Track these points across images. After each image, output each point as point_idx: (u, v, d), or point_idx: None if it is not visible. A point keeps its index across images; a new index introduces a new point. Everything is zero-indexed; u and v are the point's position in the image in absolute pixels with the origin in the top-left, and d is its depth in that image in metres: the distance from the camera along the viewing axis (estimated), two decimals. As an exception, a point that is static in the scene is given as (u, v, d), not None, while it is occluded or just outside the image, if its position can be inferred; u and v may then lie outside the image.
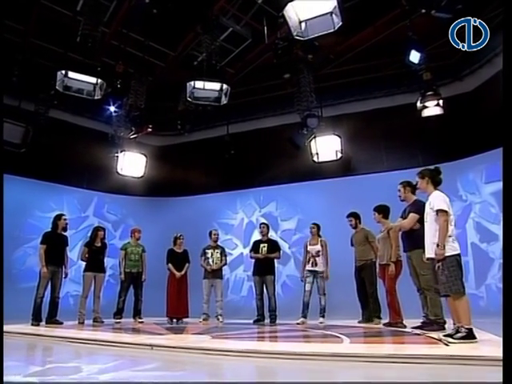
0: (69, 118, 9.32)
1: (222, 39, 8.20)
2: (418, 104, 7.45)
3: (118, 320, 7.28)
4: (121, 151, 8.42)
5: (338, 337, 4.47)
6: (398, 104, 8.85)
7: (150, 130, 8.45)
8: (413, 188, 5.24)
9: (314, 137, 8.29)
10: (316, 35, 5.82)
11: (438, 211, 3.86)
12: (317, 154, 8.35)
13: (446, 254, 3.74)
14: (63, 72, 6.53)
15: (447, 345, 3.52)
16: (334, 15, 5.59)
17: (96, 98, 6.87)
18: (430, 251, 3.94)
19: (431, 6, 5.77)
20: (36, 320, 6.48)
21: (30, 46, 8.01)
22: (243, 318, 7.78)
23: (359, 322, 6.35)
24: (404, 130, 8.76)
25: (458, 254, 3.82)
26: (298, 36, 5.84)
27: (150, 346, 4.06)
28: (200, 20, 7.19)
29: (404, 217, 5.11)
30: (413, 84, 8.36)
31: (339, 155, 8.25)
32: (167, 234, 8.48)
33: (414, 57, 6.70)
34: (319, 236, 7.24)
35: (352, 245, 6.73)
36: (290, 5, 5.53)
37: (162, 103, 9.82)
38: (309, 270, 7.08)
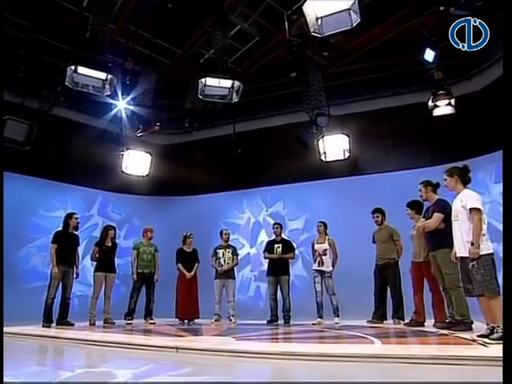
0: (73, 116, 9.13)
1: (229, 37, 8.08)
2: (430, 103, 7.40)
3: (129, 321, 7.15)
4: (126, 149, 8.27)
5: (365, 337, 4.40)
6: (406, 103, 8.80)
7: (157, 127, 8.31)
8: (433, 187, 5.22)
9: (322, 136, 8.23)
10: (332, 32, 5.75)
11: (472, 209, 3.83)
12: (324, 153, 8.28)
13: (481, 253, 3.70)
14: (73, 68, 6.35)
15: (485, 345, 3.46)
16: (351, 12, 5.54)
17: (105, 94, 6.73)
18: (462, 250, 3.90)
19: (450, 3, 5.72)
20: (47, 321, 6.32)
21: (35, 42, 7.81)
22: (251, 319, 7.70)
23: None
24: (412, 129, 8.73)
25: (493, 253, 3.78)
26: (314, 33, 5.77)
27: (175, 348, 3.94)
28: (213, 13, 7.06)
29: (427, 216, 5.05)
30: (421, 83, 8.38)
31: (347, 154, 8.19)
32: (172, 234, 8.39)
33: (429, 55, 6.65)
34: (326, 234, 7.13)
35: (374, 242, 6.59)
36: (308, 1, 5.46)
37: (167, 101, 9.65)
38: (316, 270, 6.98)
